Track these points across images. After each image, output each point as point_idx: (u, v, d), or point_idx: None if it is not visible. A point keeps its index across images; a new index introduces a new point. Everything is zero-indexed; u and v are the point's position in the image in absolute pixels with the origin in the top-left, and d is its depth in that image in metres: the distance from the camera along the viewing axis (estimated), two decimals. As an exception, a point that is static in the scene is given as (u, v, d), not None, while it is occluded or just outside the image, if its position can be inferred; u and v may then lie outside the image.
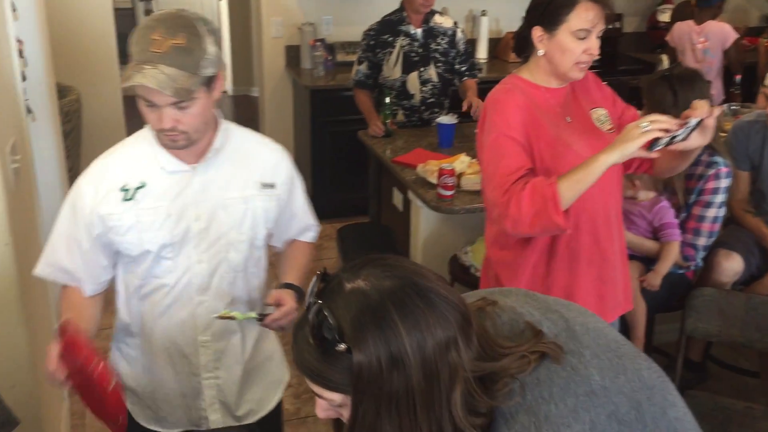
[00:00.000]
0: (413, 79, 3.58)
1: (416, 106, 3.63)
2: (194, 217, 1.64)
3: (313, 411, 3.00)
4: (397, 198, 3.33)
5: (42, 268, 1.71)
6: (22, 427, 1.63)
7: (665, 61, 4.58)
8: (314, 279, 0.97)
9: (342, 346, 0.90)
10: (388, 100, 3.46)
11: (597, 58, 1.85)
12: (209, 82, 1.53)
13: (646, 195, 2.69)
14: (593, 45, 1.83)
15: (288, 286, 1.76)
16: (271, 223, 1.75)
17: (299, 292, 1.75)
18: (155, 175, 1.63)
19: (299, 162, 1.74)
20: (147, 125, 1.62)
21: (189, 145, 1.58)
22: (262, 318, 1.70)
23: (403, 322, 0.89)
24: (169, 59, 1.45)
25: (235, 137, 1.70)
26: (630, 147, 1.66)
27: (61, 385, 1.50)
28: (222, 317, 1.67)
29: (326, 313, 0.91)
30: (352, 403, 0.92)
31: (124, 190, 1.62)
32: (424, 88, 3.60)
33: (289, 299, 1.70)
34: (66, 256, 1.67)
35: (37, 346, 2.26)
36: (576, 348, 1.02)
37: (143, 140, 1.65)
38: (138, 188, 1.62)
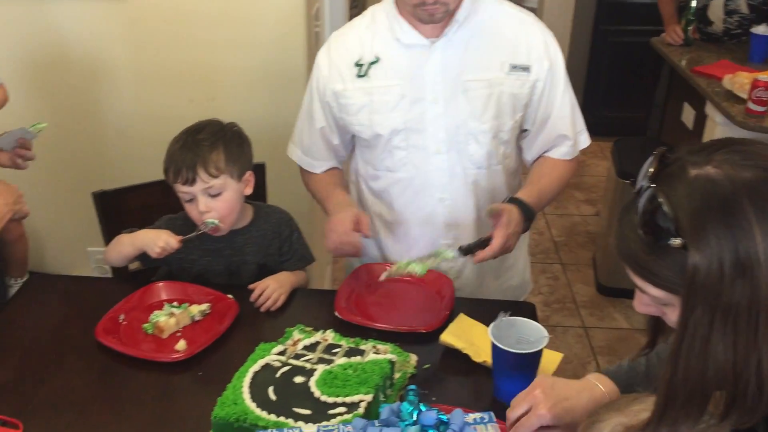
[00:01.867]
0: (717, 6, 3.10)
1: (716, 34, 3.17)
2: (431, 100, 1.47)
3: (563, 321, 2.92)
4: (688, 114, 3.01)
5: (289, 147, 1.68)
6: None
7: None
8: (650, 159, 0.82)
9: (677, 241, 0.76)
10: (695, 3, 3.07)
11: None
12: None
13: None
14: None
15: (513, 201, 1.46)
16: (520, 114, 1.52)
17: (527, 213, 1.44)
18: (391, 49, 1.48)
19: (572, 75, 1.57)
20: None
21: (446, 17, 1.41)
22: (466, 252, 1.41)
23: (759, 223, 0.73)
24: None
25: (485, 7, 1.48)
26: None
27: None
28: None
29: (661, 200, 0.77)
30: (682, 309, 0.78)
31: (359, 65, 1.49)
32: (729, 19, 3.11)
33: (506, 215, 1.39)
34: (300, 132, 1.63)
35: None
36: None
37: (382, 10, 1.50)
38: (372, 63, 1.48)
